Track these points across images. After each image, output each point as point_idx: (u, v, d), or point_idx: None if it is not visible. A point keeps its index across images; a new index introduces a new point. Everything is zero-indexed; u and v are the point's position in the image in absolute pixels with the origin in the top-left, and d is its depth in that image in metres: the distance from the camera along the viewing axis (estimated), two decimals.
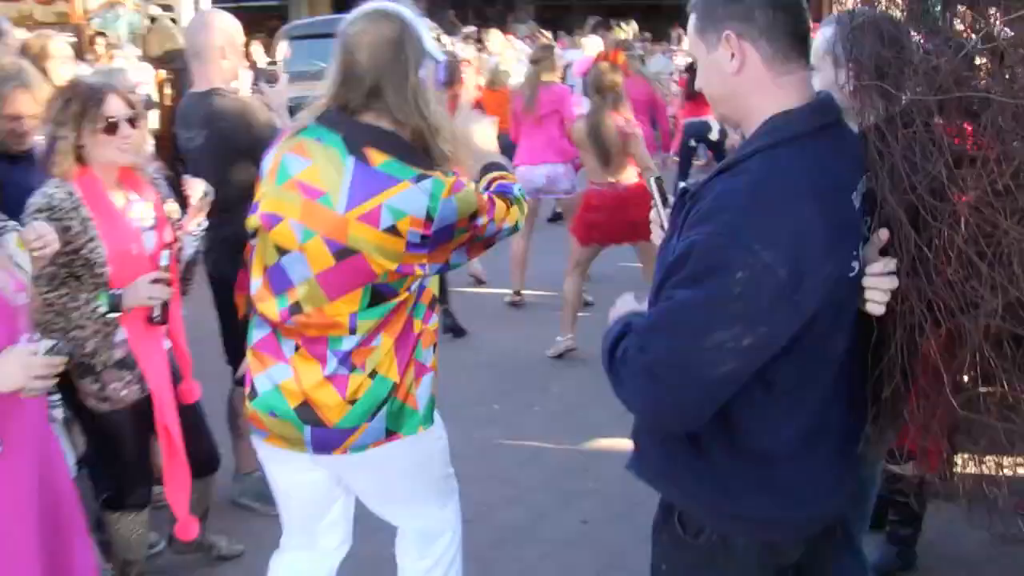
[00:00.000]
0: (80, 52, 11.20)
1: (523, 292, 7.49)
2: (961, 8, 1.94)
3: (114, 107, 3.15)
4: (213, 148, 3.91)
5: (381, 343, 2.52)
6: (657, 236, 2.15)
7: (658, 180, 2.22)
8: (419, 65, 2.45)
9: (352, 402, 2.51)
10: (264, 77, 4.08)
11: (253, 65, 9.59)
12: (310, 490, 2.80)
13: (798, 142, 1.79)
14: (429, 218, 2.39)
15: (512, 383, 5.95)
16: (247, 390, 2.66)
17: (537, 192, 7.25)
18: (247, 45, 10.97)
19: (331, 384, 2.51)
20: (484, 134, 2.92)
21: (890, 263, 1.85)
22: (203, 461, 3.60)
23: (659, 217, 2.17)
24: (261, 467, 4.38)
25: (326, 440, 2.56)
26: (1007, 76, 1.76)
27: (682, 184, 9.16)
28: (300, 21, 13.26)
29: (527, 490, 4.57)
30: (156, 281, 3.16)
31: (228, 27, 4.03)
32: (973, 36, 1.86)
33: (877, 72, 1.94)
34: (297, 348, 2.53)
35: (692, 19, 1.96)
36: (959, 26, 1.94)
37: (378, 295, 2.47)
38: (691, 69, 9.99)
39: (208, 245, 4.01)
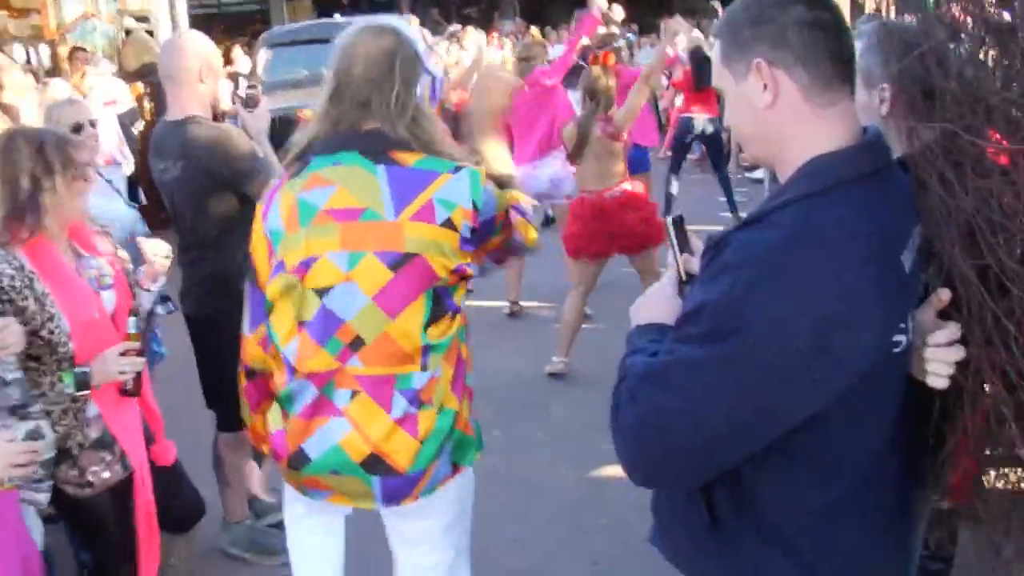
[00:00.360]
0: (54, 68, 10.94)
1: (521, 302, 7.25)
2: None
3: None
4: (190, 181, 3.63)
5: (442, 373, 2.40)
6: (671, 286, 1.85)
7: (676, 221, 1.92)
8: (414, 81, 2.38)
9: (423, 442, 2.37)
10: (244, 99, 3.76)
11: (234, 76, 9.32)
12: (335, 550, 2.67)
13: (841, 189, 1.52)
14: (475, 208, 2.34)
15: (512, 407, 5.66)
16: (284, 462, 2.45)
17: (539, 197, 6.89)
18: (228, 51, 10.76)
19: (402, 427, 2.35)
20: (497, 154, 2.73)
21: (955, 330, 1.58)
22: (184, 517, 3.40)
23: (675, 262, 1.88)
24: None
25: (398, 490, 2.40)
26: None
27: (672, 190, 9.13)
28: (281, 28, 12.89)
29: (534, 528, 4.32)
30: (126, 352, 2.87)
31: (203, 50, 3.74)
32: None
33: (924, 96, 1.67)
34: (354, 395, 2.36)
35: (717, 46, 1.70)
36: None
37: (439, 302, 2.35)
38: (696, 58, 9.73)
39: (185, 285, 3.76)
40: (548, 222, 8.93)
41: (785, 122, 1.59)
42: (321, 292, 2.32)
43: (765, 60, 1.57)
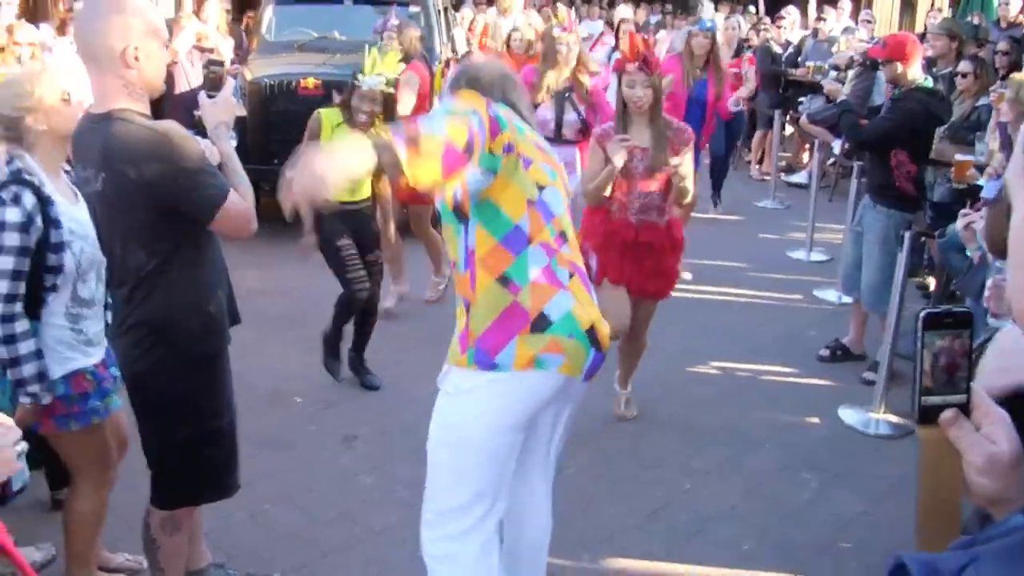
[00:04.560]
0: (37, 12, 10.03)
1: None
2: None
3: None
4: (113, 197, 2.70)
5: None
6: None
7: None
8: None
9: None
10: (206, 80, 2.83)
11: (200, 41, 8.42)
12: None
13: None
14: None
15: None
16: (528, 327, 2.68)
17: None
18: (200, 5, 9.78)
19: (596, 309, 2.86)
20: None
21: None
22: None
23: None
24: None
25: (596, 366, 2.83)
26: None
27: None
28: None
29: None
30: None
31: (132, 21, 2.67)
32: None
33: None
34: (571, 276, 2.79)
35: (1018, 150, 0.92)
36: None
37: None
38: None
39: (115, 332, 2.90)
40: None
41: None
42: (540, 187, 2.76)
43: None
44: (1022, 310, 0.96)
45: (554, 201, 2.78)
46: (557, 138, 5.93)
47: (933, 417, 1.22)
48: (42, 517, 3.82)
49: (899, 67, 5.39)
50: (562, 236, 2.78)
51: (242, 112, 2.78)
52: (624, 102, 4.44)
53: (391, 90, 5.22)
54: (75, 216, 2.98)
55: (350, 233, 5.14)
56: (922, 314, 1.21)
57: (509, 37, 8.43)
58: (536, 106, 5.99)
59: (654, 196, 4.50)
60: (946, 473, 1.25)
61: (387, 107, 5.27)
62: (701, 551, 3.90)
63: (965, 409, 1.23)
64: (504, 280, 2.69)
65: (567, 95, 6.03)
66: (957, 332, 1.22)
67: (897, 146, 5.33)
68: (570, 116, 6.04)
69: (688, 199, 6.62)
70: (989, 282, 2.82)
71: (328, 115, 5.20)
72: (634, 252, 4.56)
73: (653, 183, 4.47)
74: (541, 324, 2.69)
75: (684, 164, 4.40)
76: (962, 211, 4.47)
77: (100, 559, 3.52)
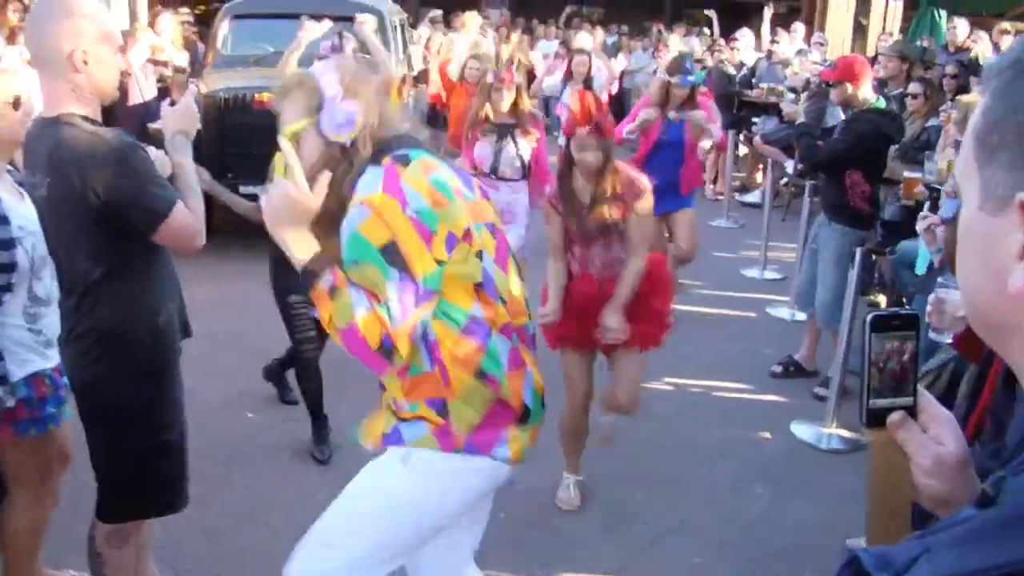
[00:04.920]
0: None
1: None
2: None
3: None
4: (58, 203, 2.66)
5: None
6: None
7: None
8: None
9: None
10: (170, 83, 2.78)
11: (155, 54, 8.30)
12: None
13: None
14: None
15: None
16: (514, 421, 2.52)
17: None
18: (154, 19, 9.67)
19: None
20: None
21: None
22: None
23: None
24: None
25: None
26: None
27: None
28: None
29: None
30: None
31: (80, 24, 2.64)
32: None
33: None
34: (522, 343, 2.58)
35: (966, 141, 0.93)
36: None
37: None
38: None
39: (65, 339, 2.86)
40: None
41: None
42: (480, 255, 2.46)
43: None
44: (971, 300, 0.96)
45: (495, 270, 2.51)
46: (493, 176, 5.81)
47: (881, 420, 1.23)
48: None
49: (849, 88, 5.47)
50: (504, 300, 2.52)
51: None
52: (569, 159, 4.06)
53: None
54: (23, 213, 2.92)
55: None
56: (869, 317, 1.22)
57: (464, 67, 8.38)
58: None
59: (616, 248, 4.07)
60: (895, 476, 1.26)
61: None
62: (655, 565, 3.90)
63: (912, 412, 1.24)
64: (482, 375, 2.45)
65: (511, 129, 5.83)
66: (903, 335, 1.23)
67: (851, 166, 5.40)
68: (508, 152, 5.82)
69: (686, 248, 6.45)
70: (931, 297, 2.85)
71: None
72: (598, 306, 4.05)
73: (612, 238, 4.07)
74: (524, 416, 2.53)
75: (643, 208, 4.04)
76: (921, 213, 4.53)
77: None
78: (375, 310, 2.27)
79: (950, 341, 2.86)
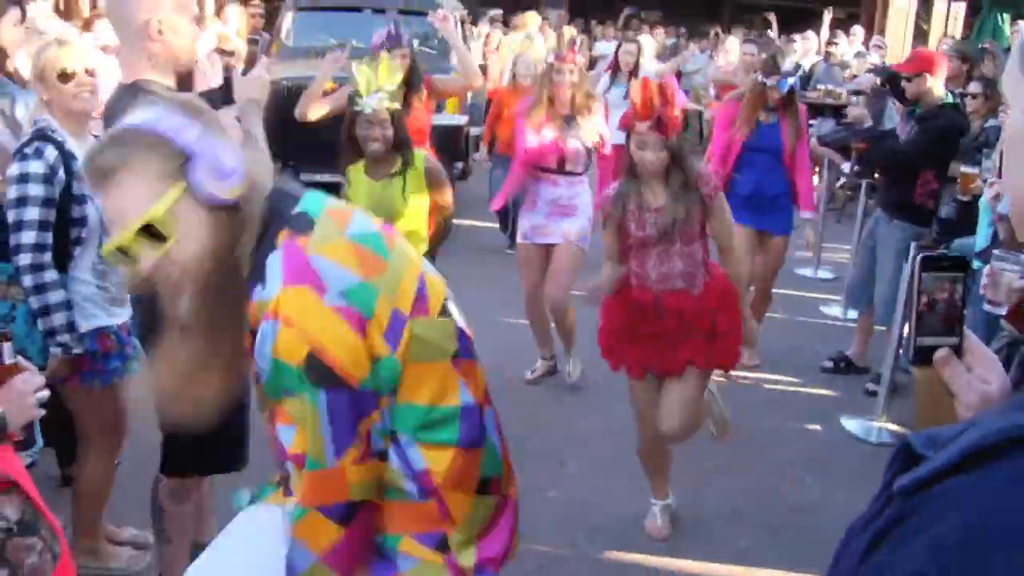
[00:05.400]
0: (67, 13, 10.15)
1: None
2: None
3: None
4: None
5: None
6: None
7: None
8: None
9: None
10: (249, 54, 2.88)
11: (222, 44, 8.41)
12: None
13: None
14: None
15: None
16: (514, 514, 2.04)
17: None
18: (220, 7, 9.82)
19: None
20: None
21: None
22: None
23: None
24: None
25: None
26: None
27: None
28: None
29: None
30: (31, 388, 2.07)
31: None
32: None
33: None
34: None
35: (1012, 59, 0.96)
36: None
37: None
38: None
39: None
40: None
41: None
42: (444, 311, 1.89)
43: None
44: (1019, 209, 0.99)
45: (461, 321, 1.96)
46: (559, 171, 5.28)
47: (927, 358, 1.27)
48: (52, 493, 3.87)
49: (927, 80, 5.36)
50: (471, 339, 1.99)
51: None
52: (628, 158, 3.62)
53: (396, 106, 4.28)
54: None
55: None
56: (919, 256, 1.27)
57: (515, 72, 8.04)
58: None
59: (676, 264, 3.64)
60: (940, 412, 1.30)
61: (398, 128, 4.23)
62: (703, 548, 3.94)
63: (958, 351, 1.28)
64: (485, 485, 1.95)
65: (573, 120, 5.26)
66: (952, 276, 1.27)
67: (929, 163, 5.35)
68: (572, 145, 5.25)
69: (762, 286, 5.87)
70: (986, 269, 2.86)
71: (352, 172, 4.34)
72: (655, 324, 3.69)
73: (672, 248, 3.62)
74: (518, 507, 2.09)
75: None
76: (991, 179, 4.36)
77: (107, 532, 3.58)
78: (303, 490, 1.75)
79: (1004, 313, 2.87)
